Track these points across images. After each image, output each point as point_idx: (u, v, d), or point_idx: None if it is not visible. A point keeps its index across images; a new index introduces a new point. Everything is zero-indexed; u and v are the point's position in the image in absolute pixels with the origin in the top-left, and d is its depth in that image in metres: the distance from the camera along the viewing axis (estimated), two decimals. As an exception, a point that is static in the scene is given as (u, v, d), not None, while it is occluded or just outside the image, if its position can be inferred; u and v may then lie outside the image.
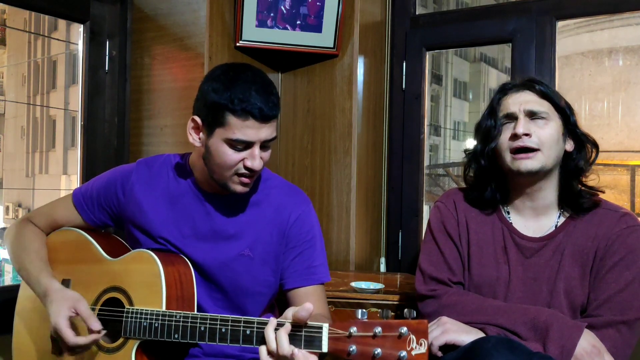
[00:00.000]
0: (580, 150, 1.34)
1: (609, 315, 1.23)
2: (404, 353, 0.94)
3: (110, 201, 1.39)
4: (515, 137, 1.30)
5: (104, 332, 1.22)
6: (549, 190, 1.34)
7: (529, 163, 1.29)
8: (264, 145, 1.23)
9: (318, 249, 1.36)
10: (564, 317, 1.22)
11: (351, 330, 0.98)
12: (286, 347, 1.01)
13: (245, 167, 1.22)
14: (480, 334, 1.22)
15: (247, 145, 1.20)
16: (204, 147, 1.24)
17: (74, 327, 1.22)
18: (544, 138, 1.29)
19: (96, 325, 1.21)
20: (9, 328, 1.45)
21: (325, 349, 1.01)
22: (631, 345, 1.24)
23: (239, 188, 1.25)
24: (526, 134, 1.29)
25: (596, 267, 1.28)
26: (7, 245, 1.41)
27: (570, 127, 1.34)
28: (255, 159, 1.21)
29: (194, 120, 1.25)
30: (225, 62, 1.33)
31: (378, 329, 0.96)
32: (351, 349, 0.97)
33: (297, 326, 1.03)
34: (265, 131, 1.21)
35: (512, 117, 1.33)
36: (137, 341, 1.22)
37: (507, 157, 1.32)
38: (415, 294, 1.44)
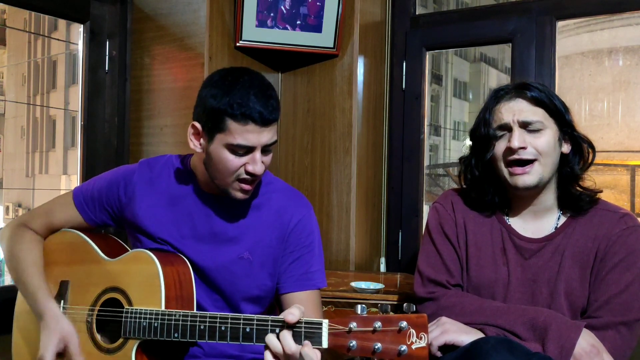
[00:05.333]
0: (576, 152, 1.33)
1: (609, 316, 1.23)
2: (404, 347, 0.94)
3: (112, 201, 1.39)
4: (510, 150, 1.29)
5: None
6: (548, 194, 1.34)
7: (526, 179, 1.28)
8: (265, 149, 1.22)
9: (316, 254, 1.35)
10: (563, 317, 1.22)
11: (351, 326, 0.98)
12: (293, 346, 1.01)
13: (247, 172, 1.21)
14: (480, 335, 1.22)
15: (248, 150, 1.20)
16: (205, 153, 1.23)
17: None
18: (541, 148, 1.28)
19: None
20: (8, 328, 1.45)
21: (325, 344, 1.00)
22: (631, 347, 1.23)
23: (240, 195, 1.25)
24: (522, 147, 1.27)
25: (596, 269, 1.27)
26: (3, 249, 1.40)
27: (565, 129, 1.32)
28: (256, 163, 1.20)
29: (194, 127, 1.24)
30: (225, 64, 1.33)
31: (378, 324, 0.96)
32: (351, 344, 0.97)
33: (297, 323, 1.03)
34: (266, 135, 1.20)
35: (506, 128, 1.31)
36: (137, 341, 1.22)
37: (504, 170, 1.31)
38: (414, 296, 1.44)
